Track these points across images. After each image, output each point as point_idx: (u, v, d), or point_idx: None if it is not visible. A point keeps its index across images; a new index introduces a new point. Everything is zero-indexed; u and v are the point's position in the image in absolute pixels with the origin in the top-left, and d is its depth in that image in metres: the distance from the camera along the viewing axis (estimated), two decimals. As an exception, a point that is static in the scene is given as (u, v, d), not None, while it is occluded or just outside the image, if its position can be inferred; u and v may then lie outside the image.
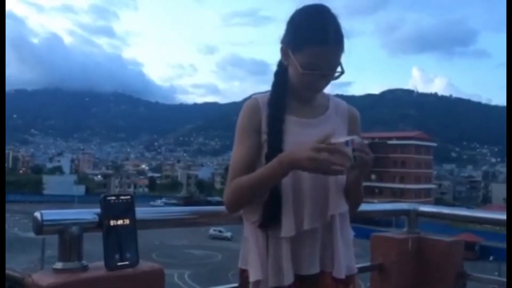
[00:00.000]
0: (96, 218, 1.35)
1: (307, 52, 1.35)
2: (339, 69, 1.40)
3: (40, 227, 1.28)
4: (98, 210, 1.35)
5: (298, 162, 1.28)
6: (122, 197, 1.39)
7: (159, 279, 1.37)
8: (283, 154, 1.32)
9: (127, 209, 1.38)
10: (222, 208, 1.51)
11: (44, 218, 1.28)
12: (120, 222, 1.35)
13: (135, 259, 1.35)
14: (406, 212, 2.43)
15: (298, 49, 1.37)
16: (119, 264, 1.32)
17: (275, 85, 1.48)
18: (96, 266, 1.33)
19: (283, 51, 1.44)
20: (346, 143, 1.27)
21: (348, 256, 1.47)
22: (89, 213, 1.37)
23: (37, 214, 1.29)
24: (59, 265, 1.30)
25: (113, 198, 1.36)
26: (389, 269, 2.27)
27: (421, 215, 2.42)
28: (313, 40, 1.34)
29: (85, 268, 1.31)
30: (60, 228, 1.31)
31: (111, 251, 1.31)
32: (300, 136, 1.39)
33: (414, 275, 2.31)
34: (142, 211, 1.48)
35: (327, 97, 1.54)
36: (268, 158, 1.37)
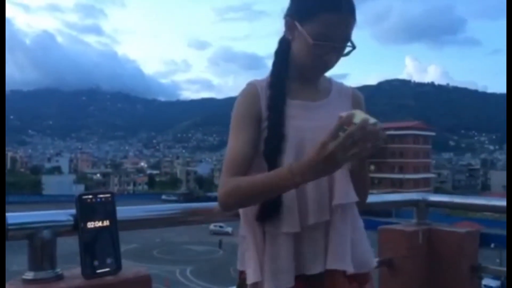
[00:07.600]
0: (71, 220, 1.20)
1: (317, 20, 1.22)
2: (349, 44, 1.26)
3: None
4: (73, 211, 1.20)
5: (313, 160, 1.08)
6: (101, 196, 1.23)
7: (145, 287, 1.21)
8: (293, 162, 1.15)
9: (106, 209, 1.22)
10: (213, 204, 1.34)
11: (9, 221, 1.12)
12: (98, 224, 1.19)
13: (117, 265, 1.20)
14: (415, 203, 2.28)
15: (308, 19, 1.24)
16: (98, 271, 1.16)
17: (276, 63, 1.35)
18: (73, 275, 1.17)
19: (289, 24, 1.30)
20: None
21: (361, 250, 1.32)
22: (63, 215, 1.21)
23: (0, 218, 1.12)
24: (29, 275, 1.14)
25: (90, 197, 1.21)
26: (399, 264, 2.13)
27: (432, 205, 2.27)
28: (325, 7, 1.21)
29: (59, 277, 1.16)
30: (29, 233, 1.15)
31: (88, 257, 1.16)
32: (302, 120, 1.28)
33: (425, 270, 2.16)
34: (124, 211, 1.33)
35: (329, 80, 1.42)
36: (268, 143, 1.24)
